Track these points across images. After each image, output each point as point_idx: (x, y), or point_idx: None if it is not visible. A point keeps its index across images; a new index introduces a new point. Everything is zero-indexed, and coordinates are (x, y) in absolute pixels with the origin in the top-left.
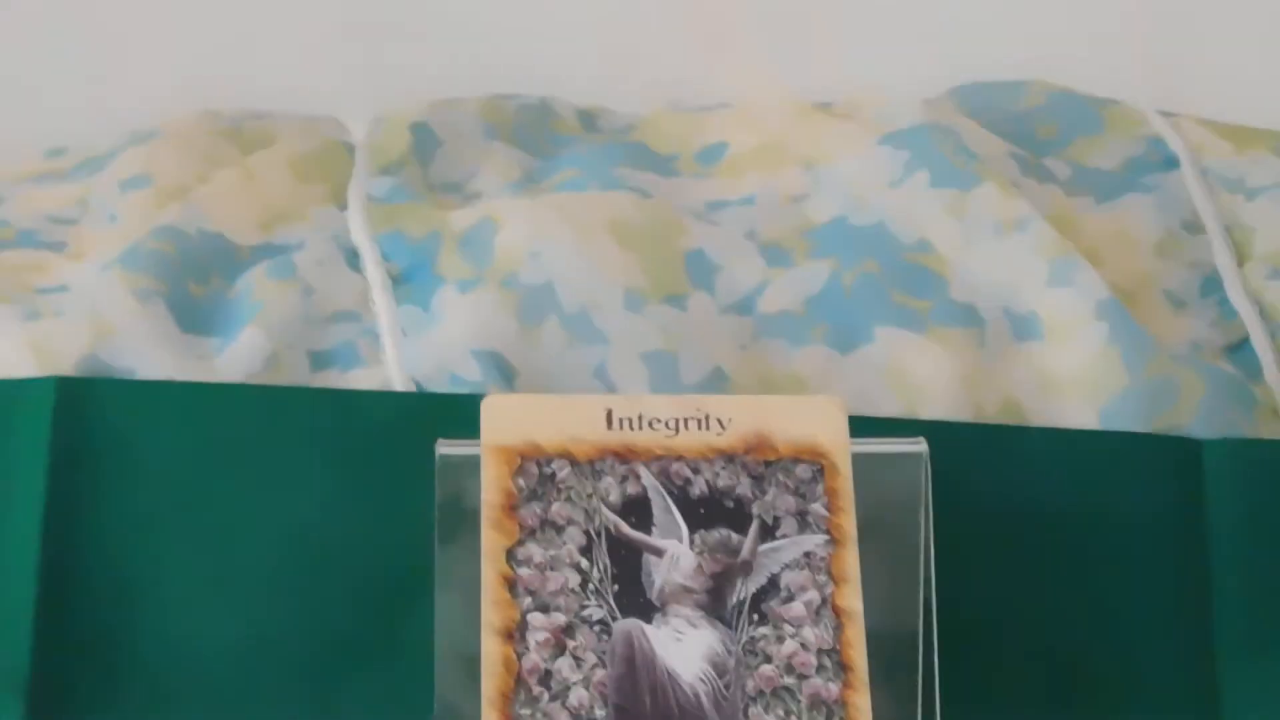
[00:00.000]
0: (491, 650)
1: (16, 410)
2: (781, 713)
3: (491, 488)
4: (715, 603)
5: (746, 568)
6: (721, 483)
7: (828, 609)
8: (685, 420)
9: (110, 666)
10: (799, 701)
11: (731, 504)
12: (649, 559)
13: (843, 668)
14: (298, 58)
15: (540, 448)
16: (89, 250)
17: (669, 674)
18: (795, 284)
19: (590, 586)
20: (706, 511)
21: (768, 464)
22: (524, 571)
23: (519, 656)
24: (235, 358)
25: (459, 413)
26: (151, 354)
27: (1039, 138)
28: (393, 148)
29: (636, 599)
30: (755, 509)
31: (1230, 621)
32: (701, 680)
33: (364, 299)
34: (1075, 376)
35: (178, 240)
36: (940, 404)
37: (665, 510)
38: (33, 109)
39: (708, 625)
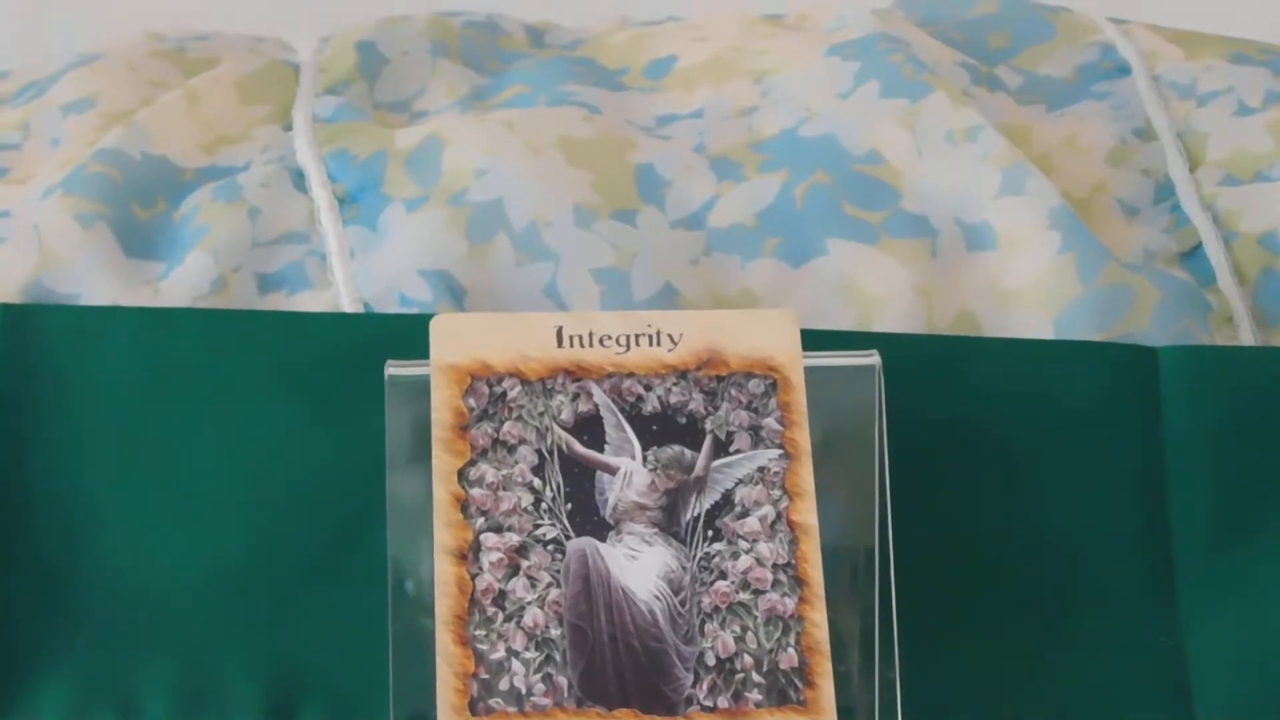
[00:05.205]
0: (445, 571)
1: None
2: (738, 629)
3: (442, 408)
4: (669, 520)
5: (700, 484)
6: (674, 399)
7: (783, 524)
8: (636, 337)
9: (59, 599)
10: (755, 617)
11: (684, 420)
12: (602, 477)
13: (799, 582)
14: None
15: (490, 367)
16: (31, 175)
17: (624, 592)
18: (746, 197)
19: (543, 506)
20: (659, 428)
21: (720, 379)
22: (476, 492)
23: (473, 577)
24: (181, 281)
25: (409, 333)
26: (96, 279)
27: (990, 47)
28: (339, 67)
29: (590, 517)
30: (708, 425)
31: (1187, 528)
32: (657, 598)
33: (311, 220)
34: (1029, 286)
35: (121, 163)
36: (894, 316)
37: (617, 428)
38: None
39: (662, 542)
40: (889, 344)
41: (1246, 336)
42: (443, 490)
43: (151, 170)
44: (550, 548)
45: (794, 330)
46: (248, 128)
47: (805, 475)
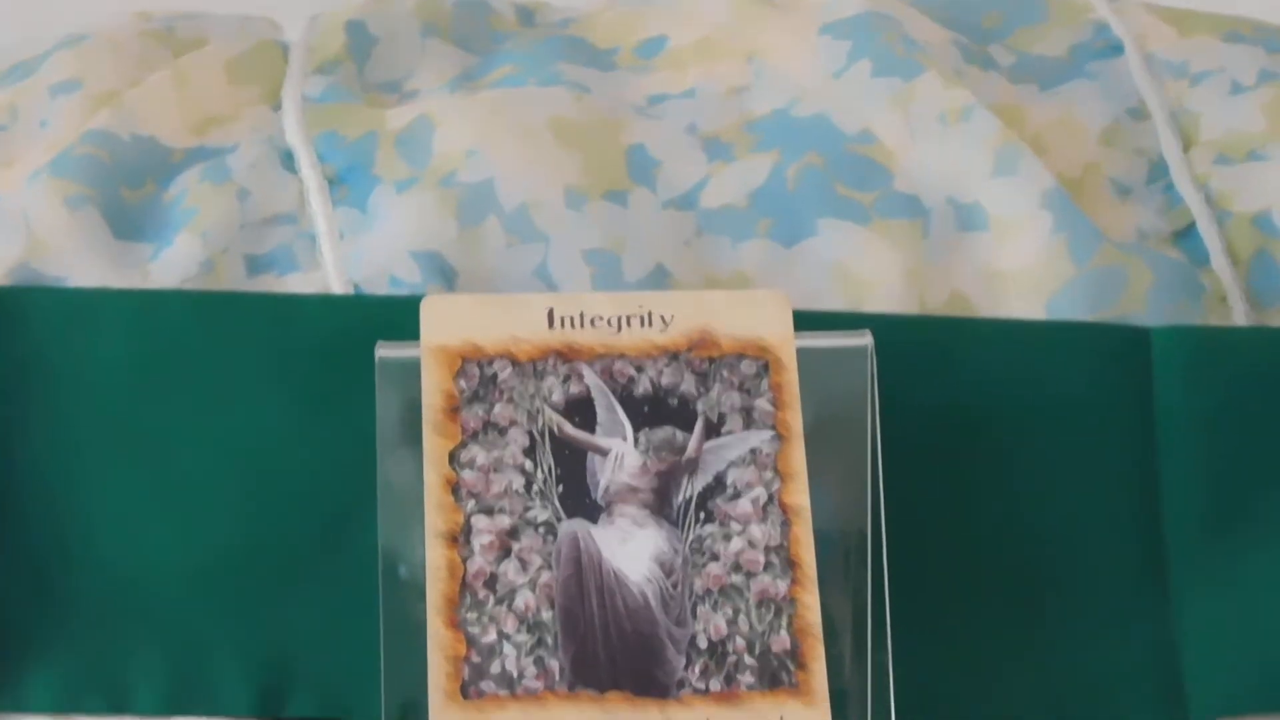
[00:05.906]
0: (436, 555)
1: None
2: (730, 611)
3: (432, 390)
4: (661, 502)
5: (692, 466)
6: (665, 380)
7: (775, 506)
8: (627, 318)
9: (48, 586)
10: (747, 599)
11: (676, 402)
12: (594, 459)
13: (791, 565)
14: None
15: (481, 349)
16: (19, 158)
17: (616, 575)
18: (738, 178)
19: (535, 488)
20: (651, 410)
21: (712, 360)
22: (467, 475)
23: (464, 561)
24: (170, 264)
25: (399, 315)
26: (85, 261)
27: (984, 26)
28: (328, 47)
29: (582, 500)
30: (700, 406)
31: (1179, 508)
32: (649, 580)
33: (300, 202)
34: (1022, 268)
35: (109, 145)
36: (886, 297)
37: (609, 409)
38: None
39: (654, 525)
40: (881, 325)
41: (1240, 318)
42: (433, 473)
43: (140, 151)
44: (542, 530)
45: (786, 311)
46: (237, 108)
47: (797, 457)
